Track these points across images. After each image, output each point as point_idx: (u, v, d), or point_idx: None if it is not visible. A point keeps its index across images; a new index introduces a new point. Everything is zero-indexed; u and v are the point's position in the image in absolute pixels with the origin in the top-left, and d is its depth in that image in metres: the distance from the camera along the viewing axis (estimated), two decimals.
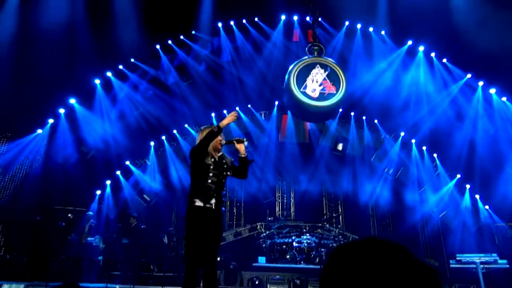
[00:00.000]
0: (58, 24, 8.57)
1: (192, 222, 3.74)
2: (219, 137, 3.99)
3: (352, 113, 12.58)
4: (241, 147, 4.00)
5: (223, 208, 3.90)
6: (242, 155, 3.99)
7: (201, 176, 3.85)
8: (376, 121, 12.64)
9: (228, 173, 3.94)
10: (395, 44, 11.52)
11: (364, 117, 12.63)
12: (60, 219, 9.52)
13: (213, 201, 3.79)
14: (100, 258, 9.08)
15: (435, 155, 12.27)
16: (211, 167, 3.87)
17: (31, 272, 8.08)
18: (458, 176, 11.57)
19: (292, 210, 14.08)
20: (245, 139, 4.04)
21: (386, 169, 12.78)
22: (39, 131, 9.32)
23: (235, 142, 4.02)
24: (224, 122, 3.96)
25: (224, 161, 3.97)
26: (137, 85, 10.68)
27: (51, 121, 9.50)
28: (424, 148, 12.35)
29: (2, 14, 8.31)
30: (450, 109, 11.60)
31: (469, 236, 10.79)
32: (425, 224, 12.48)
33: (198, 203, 3.76)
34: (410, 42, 11.44)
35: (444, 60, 11.52)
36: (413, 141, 12.40)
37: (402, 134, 12.41)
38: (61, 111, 9.61)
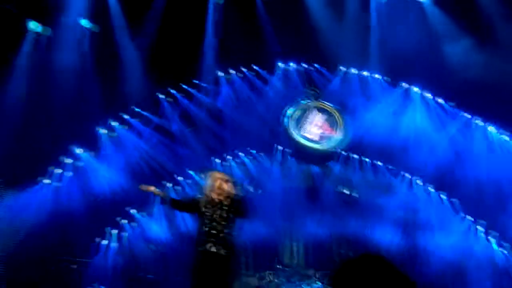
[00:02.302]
0: (65, 73, 9.12)
1: (193, 267, 3.96)
2: (217, 180, 4.09)
3: (355, 155, 12.63)
4: (228, 187, 4.23)
5: (227, 252, 3.89)
6: (230, 194, 4.19)
7: (199, 223, 4.12)
8: (379, 162, 12.65)
9: (230, 215, 3.97)
10: (390, 87, 11.89)
11: (367, 159, 12.66)
12: (65, 270, 9.39)
13: (210, 246, 3.88)
14: None
15: (443, 196, 12.09)
16: (207, 213, 4.04)
17: None
18: (469, 217, 11.29)
19: (301, 257, 13.60)
20: (230, 178, 4.35)
21: (394, 211, 12.55)
22: (46, 181, 9.49)
23: (223, 182, 4.17)
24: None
25: (226, 203, 4.02)
26: (141, 133, 10.99)
27: (57, 171, 9.70)
28: (431, 189, 12.20)
29: (18, 62, 8.87)
30: (451, 148, 11.64)
31: (486, 279, 10.31)
32: (442, 269, 11.93)
33: (199, 248, 3.95)
34: (405, 84, 11.81)
35: (440, 100, 11.78)
36: (419, 182, 12.29)
37: (407, 175, 12.34)
38: (68, 161, 9.86)
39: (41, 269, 9.03)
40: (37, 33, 8.88)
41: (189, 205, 4.29)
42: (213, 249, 3.86)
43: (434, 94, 11.85)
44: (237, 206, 4.02)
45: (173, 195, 9.65)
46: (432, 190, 12.27)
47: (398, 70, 11.53)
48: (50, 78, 8.99)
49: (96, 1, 9.15)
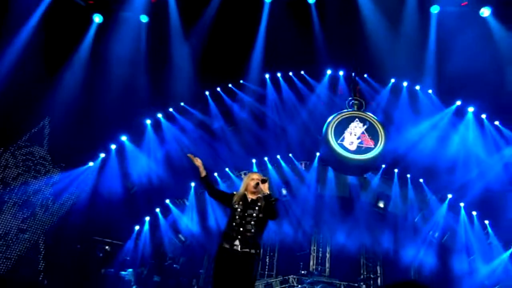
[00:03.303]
0: (120, 65, 9.49)
1: (216, 263, 3.90)
2: (253, 180, 4.14)
3: (396, 170, 12.25)
4: (263, 186, 4.08)
5: (252, 251, 3.86)
6: (264, 193, 4.06)
7: (229, 219, 4.07)
8: (421, 180, 12.18)
9: (260, 215, 3.99)
10: (442, 104, 11.33)
11: (408, 175, 12.24)
12: (98, 250, 9.85)
13: (237, 243, 3.85)
14: None
15: (486, 221, 11.46)
16: (238, 209, 4.02)
17: None
18: None
19: (327, 266, 13.49)
20: (267, 178, 4.20)
21: (431, 232, 12.10)
22: (91, 163, 9.96)
23: (260, 182, 4.13)
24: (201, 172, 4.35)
25: (259, 203, 4.03)
26: (184, 128, 11.27)
27: (102, 155, 10.15)
28: (474, 213, 11.61)
29: (79, 51, 9.30)
30: (504, 173, 10.94)
31: None
32: None
33: (224, 245, 3.91)
34: (458, 102, 11.21)
35: (496, 123, 11.10)
36: (462, 204, 11.73)
37: (450, 196, 11.81)
38: (113, 146, 10.28)
39: (77, 245, 9.56)
40: (98, 24, 9.32)
41: (222, 195, 4.32)
42: (239, 247, 3.85)
43: (490, 116, 11.16)
44: (268, 207, 3.99)
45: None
46: (475, 214, 11.64)
47: (453, 87, 10.94)
48: (105, 68, 9.42)
49: None
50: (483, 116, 11.18)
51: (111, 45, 9.44)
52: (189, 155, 4.44)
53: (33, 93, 8.66)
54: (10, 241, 8.48)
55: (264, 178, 4.15)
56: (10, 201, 8.63)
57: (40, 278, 8.83)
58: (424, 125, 11.40)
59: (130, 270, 9.69)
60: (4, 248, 8.33)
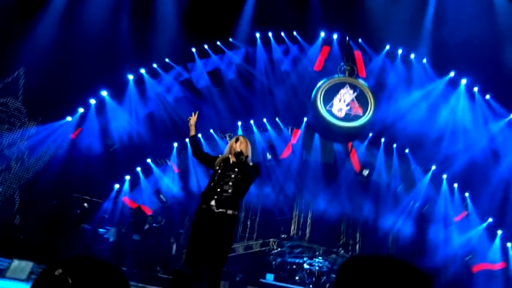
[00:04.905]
0: (102, 17, 8.91)
1: (193, 223, 3.87)
2: (237, 141, 4.04)
3: (383, 139, 12.15)
4: (235, 145, 4.04)
5: (229, 212, 3.76)
6: (236, 151, 3.98)
7: (209, 180, 4.03)
8: (407, 150, 12.15)
9: (239, 176, 3.89)
10: (436, 74, 11.11)
11: (394, 145, 12.18)
12: (76, 207, 9.69)
13: (213, 203, 3.77)
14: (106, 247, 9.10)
15: (466, 194, 11.63)
16: (218, 171, 3.96)
17: (41, 254, 8.18)
18: (490, 219, 10.87)
19: (307, 231, 13.67)
20: (239, 137, 4.15)
21: (411, 202, 12.25)
22: (69, 118, 9.57)
23: (234, 141, 4.11)
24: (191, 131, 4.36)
25: (239, 165, 3.92)
26: (168, 85, 10.81)
27: (81, 110, 9.73)
28: (455, 185, 11.73)
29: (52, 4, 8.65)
30: (488, 147, 10.99)
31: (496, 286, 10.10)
32: (447, 265, 11.77)
33: (202, 205, 3.84)
34: (452, 73, 10.99)
35: (487, 96, 10.99)
36: (444, 176, 11.82)
37: (434, 167, 11.85)
38: (92, 101, 9.83)
39: (53, 200, 9.37)
40: None
41: (207, 157, 4.30)
42: (215, 207, 3.77)
43: (482, 89, 11.02)
44: (239, 165, 3.91)
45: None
46: (456, 186, 11.79)
47: (448, 58, 10.70)
48: (85, 17, 8.80)
49: None
50: (475, 89, 11.04)
51: None
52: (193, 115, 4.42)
53: (5, 38, 8.05)
54: None
55: (237, 136, 4.12)
56: None
57: (16, 232, 8.67)
58: (415, 94, 11.23)
59: (111, 228, 9.61)
60: None
